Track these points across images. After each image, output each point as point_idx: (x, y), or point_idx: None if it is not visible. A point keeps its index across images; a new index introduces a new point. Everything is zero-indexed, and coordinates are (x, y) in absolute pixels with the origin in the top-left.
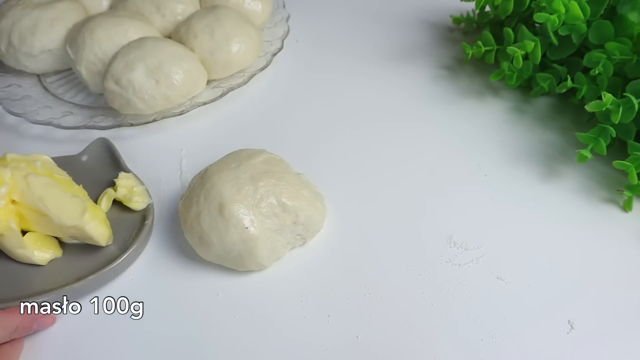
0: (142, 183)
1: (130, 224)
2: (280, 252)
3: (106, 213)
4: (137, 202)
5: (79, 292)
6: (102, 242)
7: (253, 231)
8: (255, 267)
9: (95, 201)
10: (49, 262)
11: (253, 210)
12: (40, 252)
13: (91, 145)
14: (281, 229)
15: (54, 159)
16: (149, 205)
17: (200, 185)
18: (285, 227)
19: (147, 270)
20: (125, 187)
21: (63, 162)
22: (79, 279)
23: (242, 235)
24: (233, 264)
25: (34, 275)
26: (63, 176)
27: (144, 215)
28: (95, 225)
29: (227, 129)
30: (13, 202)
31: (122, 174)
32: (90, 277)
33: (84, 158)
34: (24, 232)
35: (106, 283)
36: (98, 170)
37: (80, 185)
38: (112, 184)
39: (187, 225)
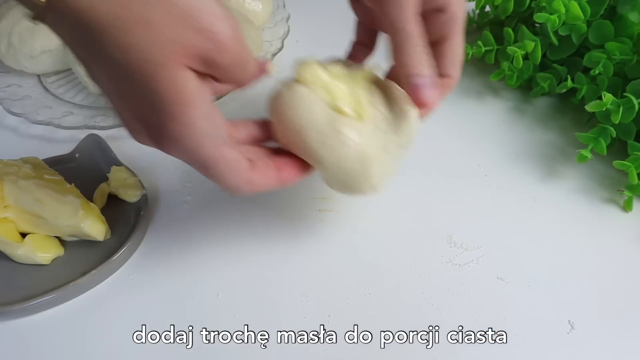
0: (134, 175)
1: (127, 216)
2: (391, 169)
3: (102, 207)
4: (132, 194)
5: (84, 287)
6: (100, 237)
7: (368, 151)
8: (368, 189)
9: (91, 197)
10: (52, 261)
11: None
12: (42, 252)
13: (82, 143)
14: (386, 144)
15: (46, 160)
16: (143, 195)
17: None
18: (390, 139)
19: (146, 270)
20: (118, 180)
21: (55, 162)
22: (83, 274)
23: (356, 153)
24: (345, 178)
25: (40, 275)
26: (54, 177)
27: (139, 206)
28: (90, 223)
29: None
30: (7, 207)
31: (114, 168)
32: (93, 272)
33: (76, 156)
34: (24, 235)
35: (108, 276)
36: (91, 167)
37: (72, 184)
38: (106, 179)
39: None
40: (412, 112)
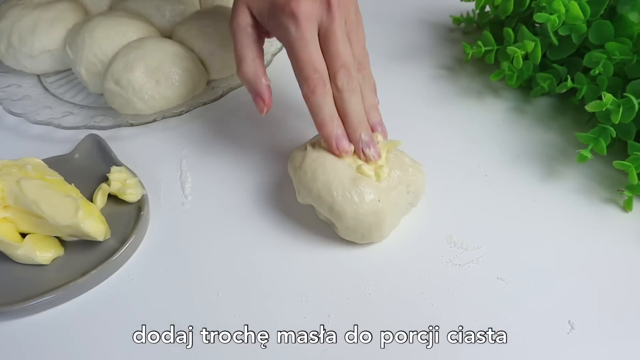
0: (134, 175)
1: (127, 216)
2: (397, 222)
3: (102, 208)
4: (132, 194)
5: (84, 287)
6: (100, 238)
7: (383, 205)
8: (377, 239)
9: (91, 197)
10: (52, 261)
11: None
12: (42, 252)
13: (81, 143)
14: (398, 201)
15: (46, 160)
16: (143, 196)
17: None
18: (400, 199)
19: (146, 271)
20: (118, 180)
21: (55, 162)
22: (83, 274)
23: (374, 208)
24: (359, 233)
25: (40, 275)
26: (54, 177)
27: (139, 206)
28: (90, 223)
29: (227, 129)
30: (7, 207)
31: (114, 168)
32: (93, 272)
33: (76, 156)
34: (24, 235)
35: (108, 276)
36: (90, 167)
37: (72, 184)
38: (106, 179)
39: (317, 194)
40: (420, 176)
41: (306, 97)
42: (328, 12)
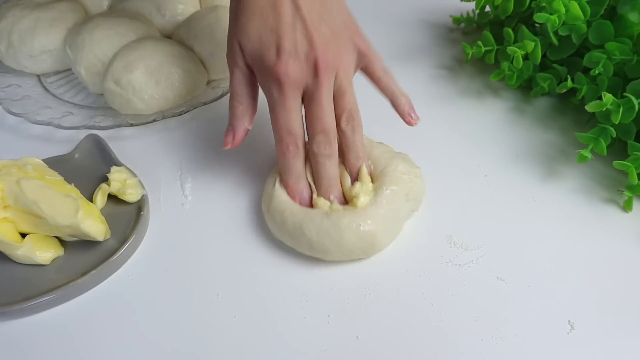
0: (134, 175)
1: (127, 216)
2: (398, 231)
3: (102, 208)
4: (132, 194)
5: (84, 287)
6: (99, 238)
7: (368, 228)
8: (377, 252)
9: (90, 197)
10: (52, 261)
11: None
12: (42, 252)
13: (81, 143)
14: (396, 213)
15: (46, 160)
16: (143, 196)
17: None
18: (399, 209)
19: (146, 271)
20: (118, 180)
21: (55, 162)
22: (83, 274)
23: (358, 234)
24: (356, 257)
25: (40, 275)
26: (54, 177)
27: (139, 206)
28: (90, 223)
29: None
30: (7, 207)
31: (114, 168)
32: (93, 272)
33: (76, 156)
34: (24, 235)
35: (108, 276)
36: (90, 167)
37: (72, 184)
38: (106, 179)
39: (290, 236)
40: (418, 182)
41: (278, 157)
42: (314, 77)
